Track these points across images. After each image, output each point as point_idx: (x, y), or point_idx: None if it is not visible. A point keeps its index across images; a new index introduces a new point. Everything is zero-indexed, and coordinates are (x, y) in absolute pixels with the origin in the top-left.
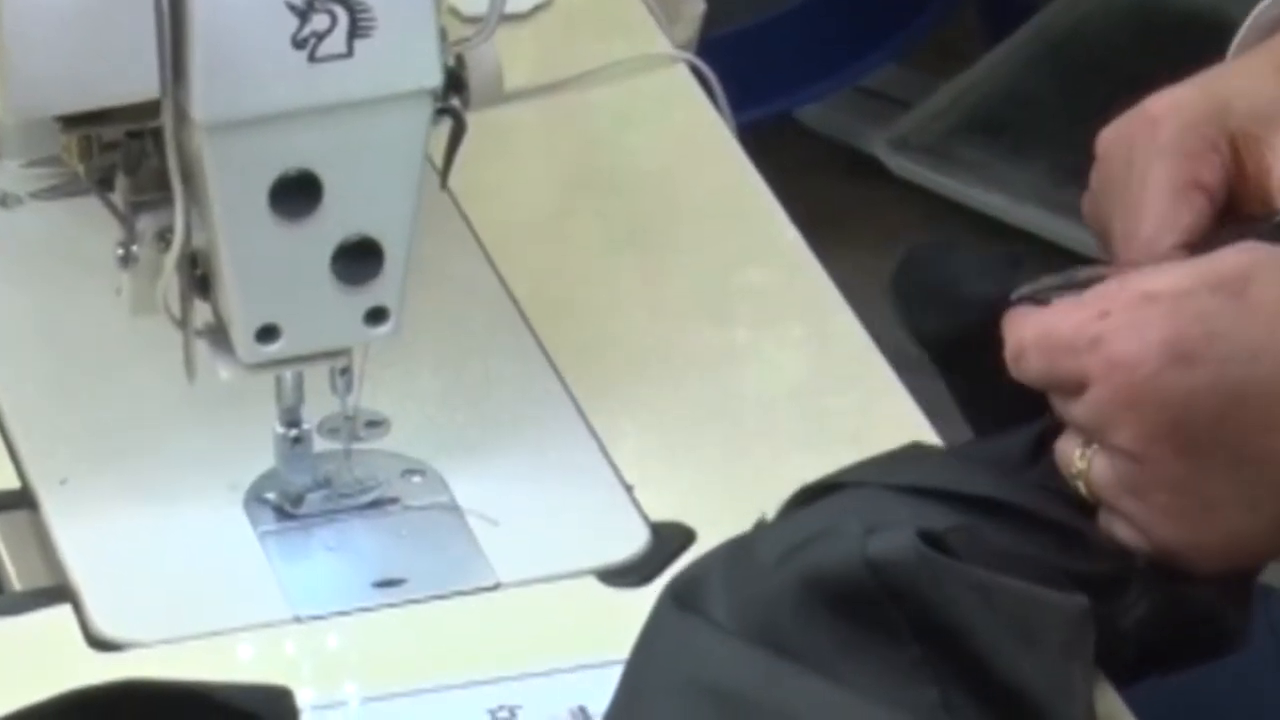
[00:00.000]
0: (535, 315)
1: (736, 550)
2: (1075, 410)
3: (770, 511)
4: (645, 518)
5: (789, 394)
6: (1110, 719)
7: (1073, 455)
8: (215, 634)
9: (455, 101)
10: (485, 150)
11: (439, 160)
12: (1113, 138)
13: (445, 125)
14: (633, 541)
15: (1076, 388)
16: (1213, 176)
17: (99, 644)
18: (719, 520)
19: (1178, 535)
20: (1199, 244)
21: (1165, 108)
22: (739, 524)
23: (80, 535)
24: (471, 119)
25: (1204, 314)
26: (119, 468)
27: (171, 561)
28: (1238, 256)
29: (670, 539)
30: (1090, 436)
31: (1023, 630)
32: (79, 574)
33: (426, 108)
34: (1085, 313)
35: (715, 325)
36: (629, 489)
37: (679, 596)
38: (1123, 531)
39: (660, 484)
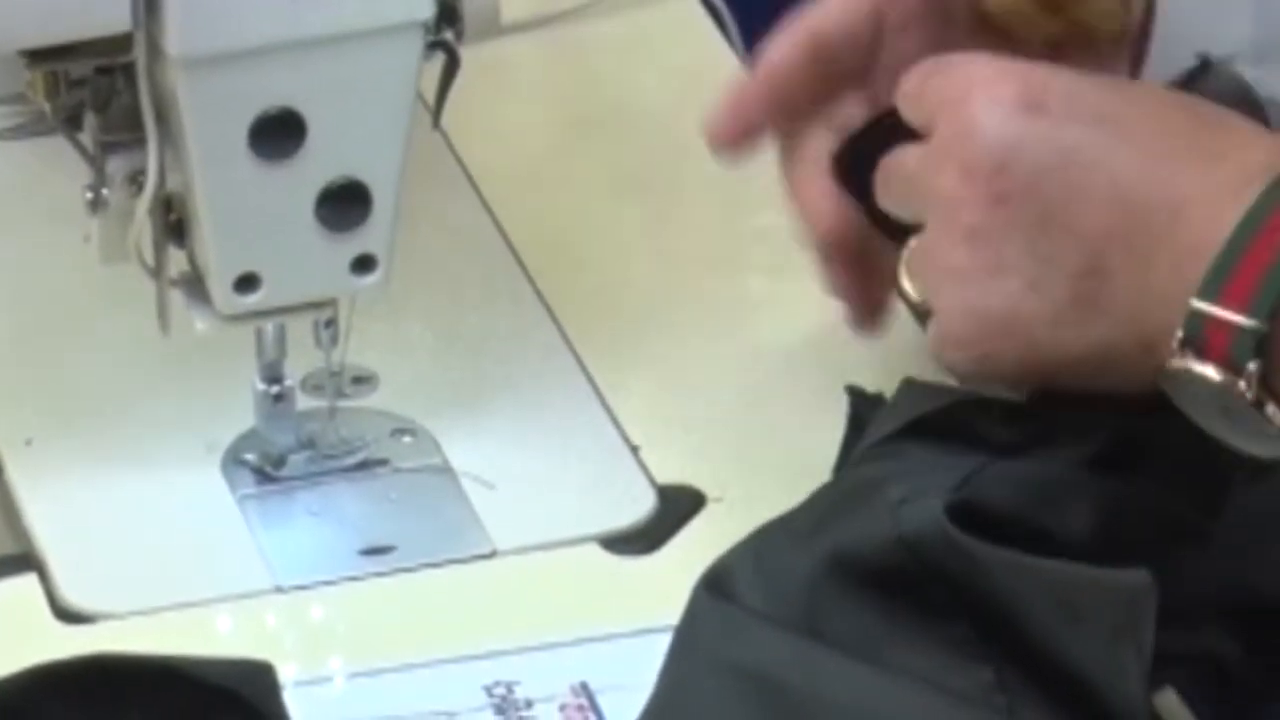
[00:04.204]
0: (534, 264)
1: (766, 534)
2: (909, 156)
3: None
4: (652, 480)
5: (806, 346)
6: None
7: (900, 263)
8: (191, 605)
9: (448, 35)
10: (480, 87)
11: (430, 98)
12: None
13: (438, 60)
14: (638, 506)
15: (928, 121)
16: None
17: (67, 615)
18: (731, 483)
19: (961, 300)
20: None
21: None
22: (752, 486)
23: (46, 499)
24: (466, 53)
25: (1072, 75)
26: (88, 427)
27: (144, 527)
28: None
29: (679, 503)
30: (912, 197)
31: (1068, 608)
32: (45, 541)
33: (417, 41)
34: (977, 56)
35: (727, 274)
36: (634, 450)
37: (712, 586)
38: (929, 333)
39: (668, 444)
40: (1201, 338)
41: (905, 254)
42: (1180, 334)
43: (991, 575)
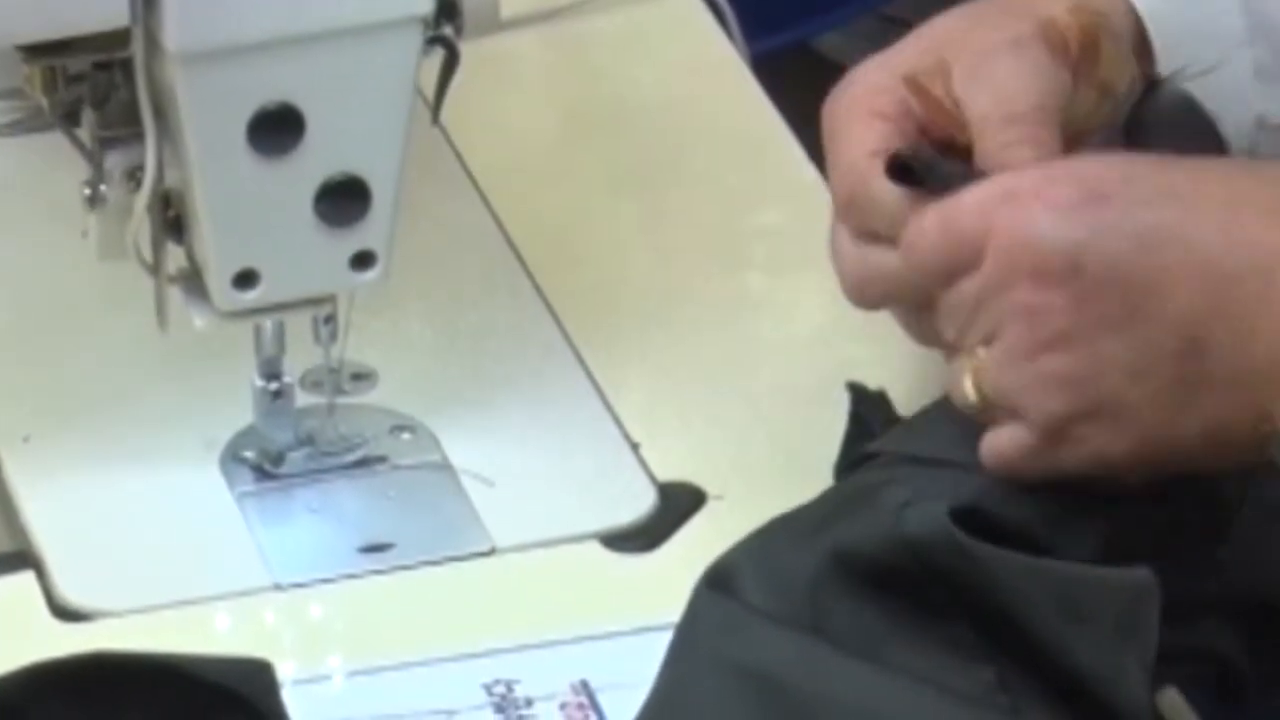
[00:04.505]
0: (534, 260)
1: (768, 532)
2: (968, 286)
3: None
4: (652, 477)
5: (806, 344)
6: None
7: (963, 373)
8: (190, 603)
9: (448, 30)
10: (480, 83)
11: (430, 93)
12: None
13: (437, 55)
14: (639, 503)
15: (974, 254)
16: (892, 109)
17: (64, 613)
18: (731, 480)
19: (1063, 404)
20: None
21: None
22: (752, 484)
23: (44, 497)
24: (465, 49)
25: (1125, 160)
26: (86, 424)
27: (142, 525)
28: None
29: (679, 501)
30: (979, 319)
31: (1071, 609)
32: (43, 538)
33: (417, 36)
34: (999, 176)
35: (727, 271)
36: (635, 447)
37: (713, 582)
38: (1008, 439)
39: (668, 441)
40: None
41: (969, 364)
42: None
43: (993, 575)
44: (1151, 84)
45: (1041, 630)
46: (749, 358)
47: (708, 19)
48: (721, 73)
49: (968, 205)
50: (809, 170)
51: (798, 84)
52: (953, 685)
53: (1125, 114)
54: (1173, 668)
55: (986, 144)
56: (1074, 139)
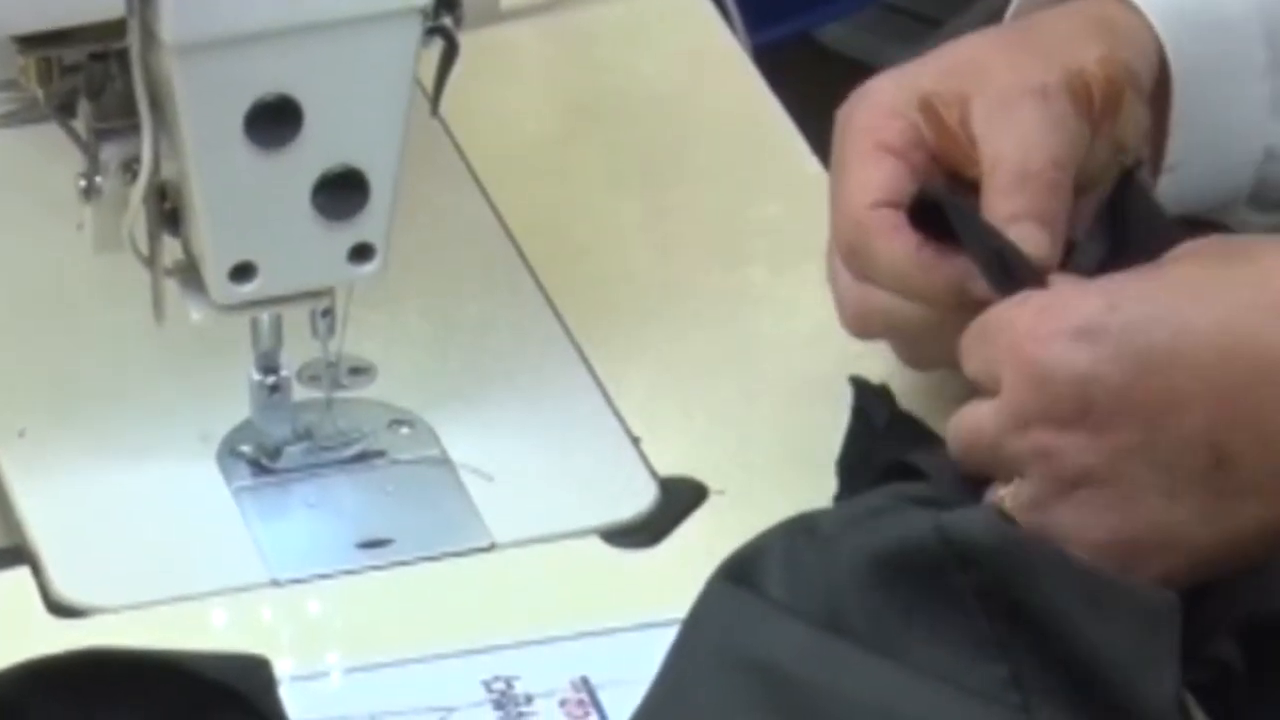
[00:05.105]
0: (534, 253)
1: (797, 526)
2: (990, 415)
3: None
4: (653, 472)
5: (808, 338)
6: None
7: (996, 505)
8: (186, 599)
9: (447, 20)
10: (479, 74)
11: (429, 85)
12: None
13: (436, 46)
14: (640, 498)
15: (996, 382)
16: (900, 140)
17: (60, 609)
18: (732, 475)
19: (1109, 532)
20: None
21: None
22: (754, 479)
23: (40, 491)
24: (465, 39)
25: (1110, 290)
26: (82, 418)
27: (138, 520)
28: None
29: (680, 496)
30: (1001, 445)
31: (1100, 604)
32: (38, 533)
33: (416, 27)
34: (1007, 301)
35: (729, 264)
36: (635, 441)
37: (732, 573)
38: None
39: (669, 436)
40: None
41: (999, 498)
42: None
43: (1026, 564)
44: (1125, 174)
45: (1069, 624)
46: (750, 352)
47: (709, 10)
48: (723, 64)
49: (986, 326)
50: (811, 163)
51: (800, 75)
52: (966, 682)
53: (1102, 201)
54: (1182, 669)
55: (996, 199)
56: (1084, 191)
